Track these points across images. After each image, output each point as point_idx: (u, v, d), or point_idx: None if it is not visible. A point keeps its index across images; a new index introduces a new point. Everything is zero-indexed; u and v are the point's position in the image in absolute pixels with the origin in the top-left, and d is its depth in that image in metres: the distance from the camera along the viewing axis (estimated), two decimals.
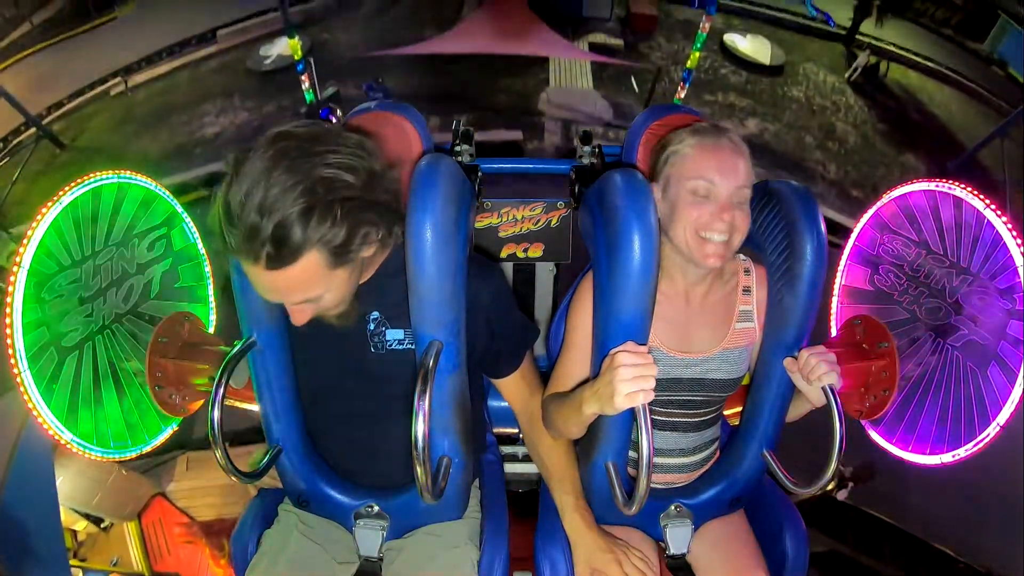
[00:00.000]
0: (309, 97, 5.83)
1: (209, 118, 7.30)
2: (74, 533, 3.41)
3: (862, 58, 8.65)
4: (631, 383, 0.95)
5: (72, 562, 3.27)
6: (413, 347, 1.05)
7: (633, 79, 7.90)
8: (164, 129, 7.16)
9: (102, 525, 3.50)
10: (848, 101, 8.28)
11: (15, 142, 6.75)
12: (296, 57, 5.51)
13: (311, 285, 0.90)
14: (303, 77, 5.63)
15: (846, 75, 8.68)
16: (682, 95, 5.64)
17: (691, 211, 1.06)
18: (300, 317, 0.96)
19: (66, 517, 3.24)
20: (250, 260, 0.85)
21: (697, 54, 5.38)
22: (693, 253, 1.08)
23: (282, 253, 0.84)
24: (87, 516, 3.41)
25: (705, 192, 1.05)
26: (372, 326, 1.08)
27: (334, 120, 5.94)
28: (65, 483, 3.08)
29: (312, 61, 5.83)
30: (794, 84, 8.50)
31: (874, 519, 3.32)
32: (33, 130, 6.69)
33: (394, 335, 1.08)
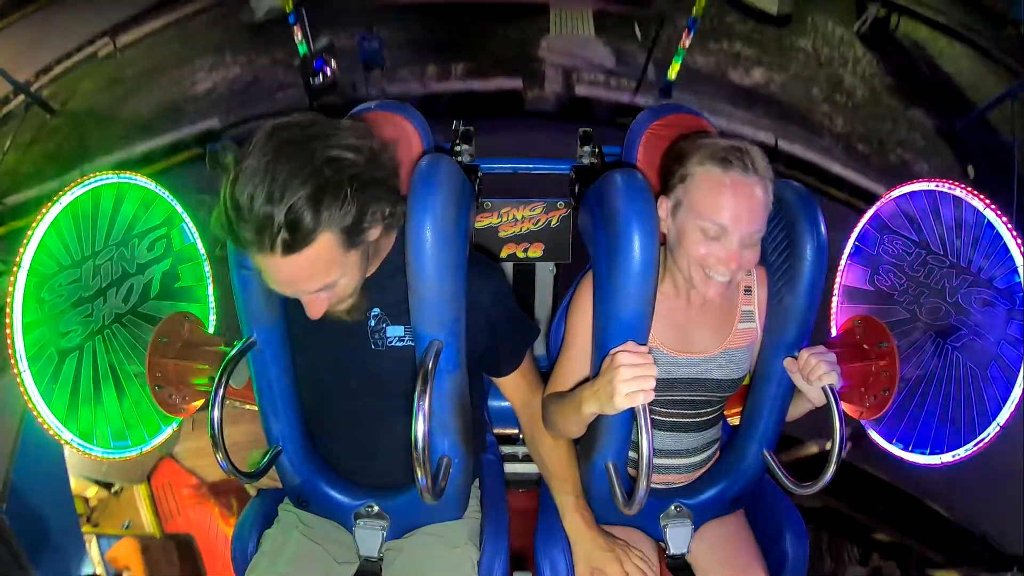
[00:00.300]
0: (302, 49, 5.70)
1: (201, 74, 6.99)
2: (85, 500, 3.40)
3: (872, 10, 8.28)
4: (631, 383, 0.95)
5: (85, 528, 3.26)
6: (413, 344, 1.05)
7: (636, 26, 7.67)
8: (155, 88, 6.88)
9: (112, 490, 3.49)
10: (856, 54, 7.92)
11: (4, 111, 6.53)
12: (287, 9, 5.37)
13: (327, 269, 0.90)
14: (295, 29, 5.49)
15: (855, 27, 8.39)
16: (687, 43, 5.51)
17: (698, 248, 1.04)
18: (316, 308, 0.95)
19: (76, 484, 3.22)
20: (265, 251, 0.84)
21: (703, 1, 5.26)
22: (694, 282, 1.08)
23: (297, 237, 0.84)
24: (97, 482, 3.41)
25: (715, 234, 1.02)
26: (373, 323, 1.08)
27: (328, 72, 5.86)
28: (74, 451, 3.10)
29: (304, 12, 5.66)
30: (801, 35, 8.08)
31: (869, 476, 3.33)
32: (22, 98, 6.38)
33: (394, 332, 1.08)
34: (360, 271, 0.97)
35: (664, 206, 1.08)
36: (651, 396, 0.95)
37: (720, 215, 1.01)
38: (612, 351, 1.00)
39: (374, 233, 0.95)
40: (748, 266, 1.05)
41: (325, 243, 0.86)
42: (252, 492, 1.38)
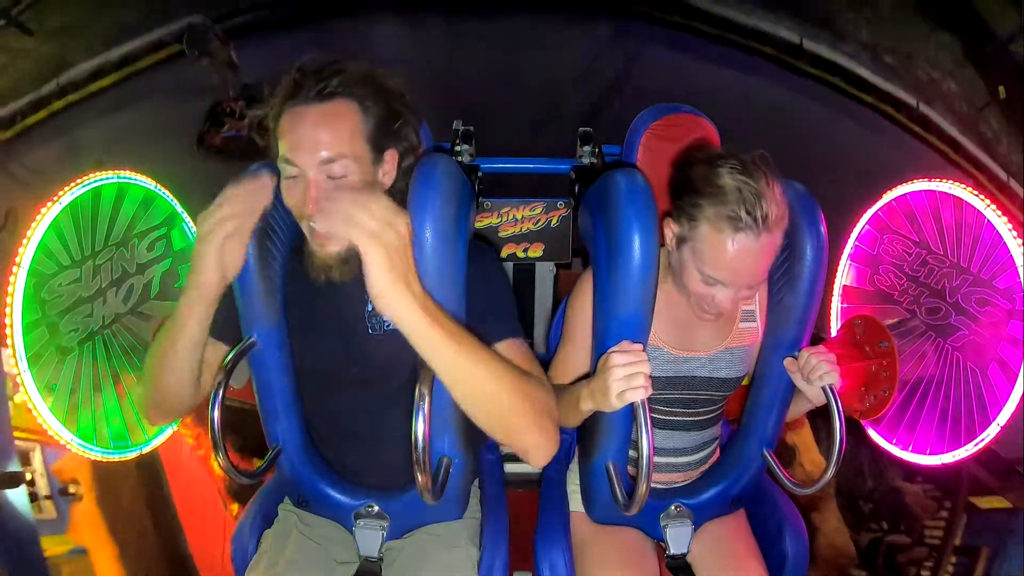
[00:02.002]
0: None
1: None
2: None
3: None
4: (623, 382, 0.95)
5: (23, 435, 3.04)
6: None
7: None
8: None
9: None
10: None
11: None
12: None
13: (340, 134, 0.94)
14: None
15: None
16: None
17: (697, 287, 1.06)
18: (314, 194, 0.94)
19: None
20: (302, 96, 0.94)
21: None
22: (691, 307, 1.11)
23: (330, 88, 0.94)
24: None
25: (713, 283, 1.04)
26: (370, 307, 1.08)
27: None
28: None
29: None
30: None
31: None
32: None
33: None
34: (368, 173, 0.99)
35: (670, 230, 1.08)
36: (645, 393, 0.95)
37: (722, 274, 1.02)
38: (607, 352, 1.00)
39: (389, 165, 1.01)
40: (742, 304, 1.08)
41: (352, 111, 0.95)
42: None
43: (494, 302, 1.10)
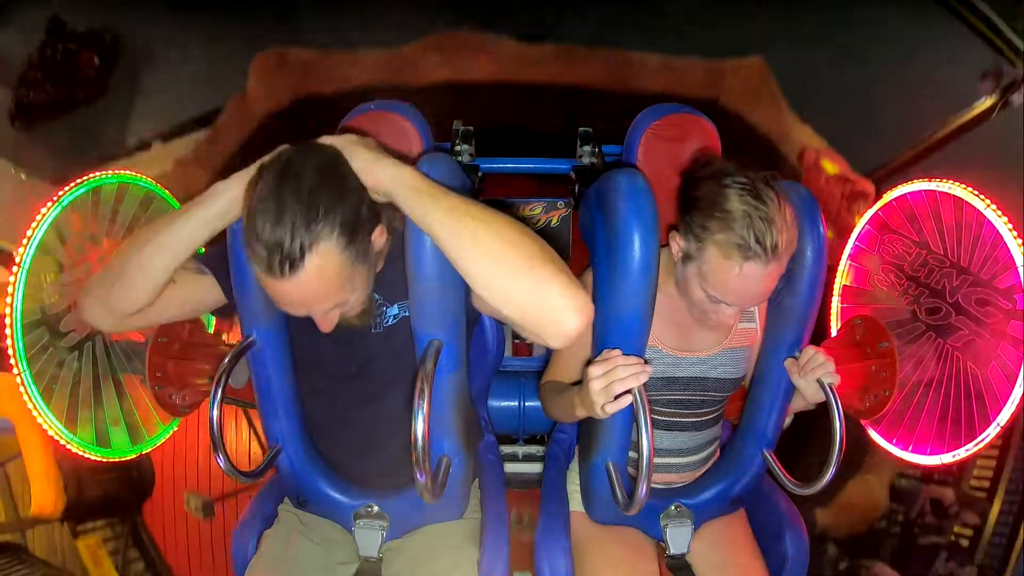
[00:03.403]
0: None
1: None
2: None
3: None
4: (602, 395, 0.95)
5: None
6: (409, 315, 1.04)
7: None
8: None
9: None
10: None
11: None
12: None
13: (336, 283, 0.89)
14: None
15: None
16: None
17: (701, 302, 1.07)
18: (327, 324, 0.96)
19: None
20: (277, 273, 0.84)
21: None
22: (692, 313, 1.13)
23: (300, 251, 0.83)
24: None
25: (718, 301, 1.05)
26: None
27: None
28: None
29: None
30: None
31: None
32: None
33: (392, 311, 1.09)
34: (367, 282, 0.97)
35: (676, 244, 1.07)
36: (627, 401, 0.95)
37: (727, 297, 1.03)
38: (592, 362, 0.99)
39: (378, 238, 0.95)
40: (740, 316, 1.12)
41: (328, 255, 0.86)
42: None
43: None
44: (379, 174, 0.87)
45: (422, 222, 0.86)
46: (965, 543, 2.53)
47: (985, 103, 2.62)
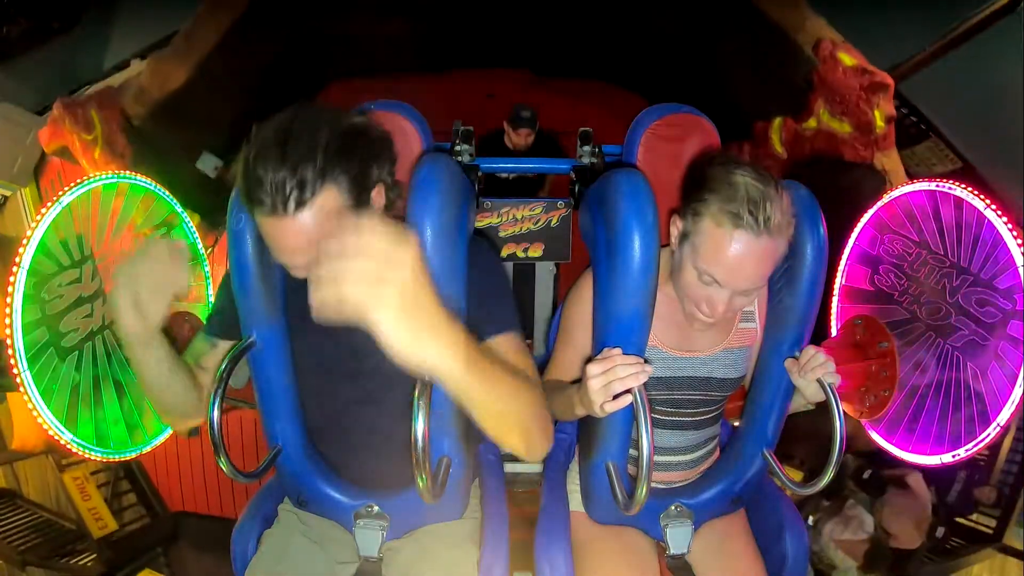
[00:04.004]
0: None
1: None
2: None
3: None
4: (600, 393, 0.95)
5: None
6: None
7: None
8: None
9: None
10: None
11: None
12: None
13: (326, 228, 0.90)
14: None
15: None
16: None
17: (693, 288, 1.05)
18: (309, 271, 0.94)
19: None
20: (279, 211, 0.86)
21: None
22: (683, 305, 1.10)
23: (302, 192, 0.86)
24: None
25: (709, 282, 1.03)
26: None
27: None
28: None
29: None
30: None
31: None
32: None
33: None
34: None
35: (675, 227, 1.07)
36: (626, 400, 0.95)
37: (716, 271, 1.01)
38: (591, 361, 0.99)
39: (377, 199, 0.97)
40: (734, 312, 1.06)
41: (332, 199, 0.89)
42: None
43: (491, 296, 1.10)
44: (419, 364, 0.71)
45: (452, 393, 0.81)
46: (982, 463, 2.55)
47: None
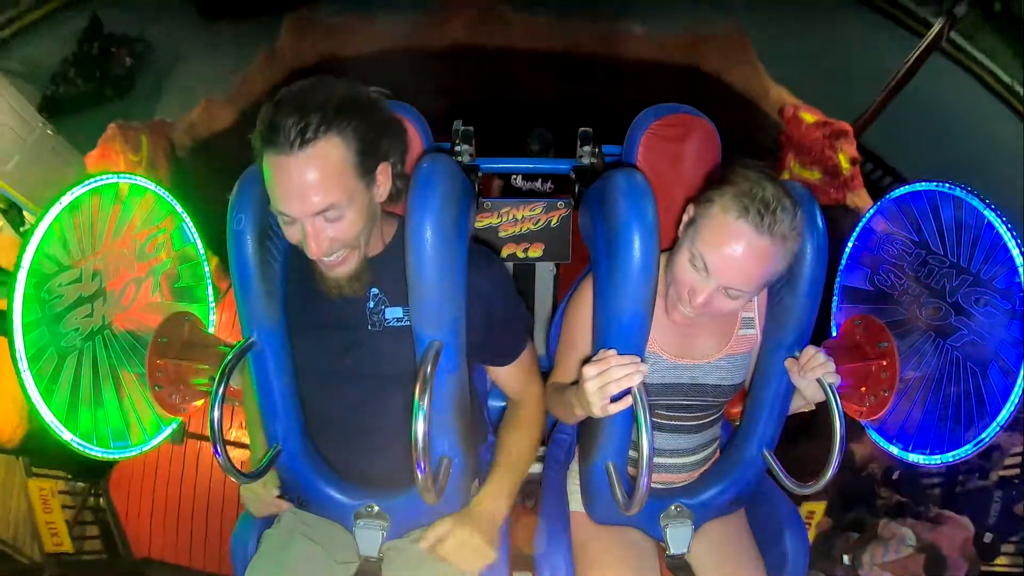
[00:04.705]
0: None
1: None
2: None
3: None
4: (598, 395, 0.95)
5: None
6: (411, 324, 1.05)
7: None
8: None
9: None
10: None
11: None
12: None
13: (336, 180, 0.92)
14: None
15: None
16: None
17: (682, 269, 1.04)
18: (318, 241, 0.95)
19: None
20: (282, 146, 0.89)
21: None
22: (668, 295, 1.09)
23: (307, 131, 0.88)
24: None
25: (699, 267, 1.02)
26: (372, 304, 1.09)
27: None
28: None
29: None
30: None
31: None
32: None
33: (393, 313, 1.09)
34: (365, 215, 0.98)
35: (687, 215, 1.07)
36: (625, 403, 0.95)
37: (710, 256, 1.00)
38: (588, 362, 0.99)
39: (383, 181, 0.99)
40: (716, 312, 1.04)
41: (336, 148, 0.91)
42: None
43: (508, 319, 1.15)
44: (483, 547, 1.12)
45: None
46: (1016, 480, 2.54)
47: (936, 27, 2.93)
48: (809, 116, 3.18)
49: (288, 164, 0.90)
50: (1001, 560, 2.56)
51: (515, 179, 3.42)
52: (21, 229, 2.96)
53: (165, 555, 3.20)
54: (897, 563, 2.42)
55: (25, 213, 2.92)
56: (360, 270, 1.03)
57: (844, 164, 2.99)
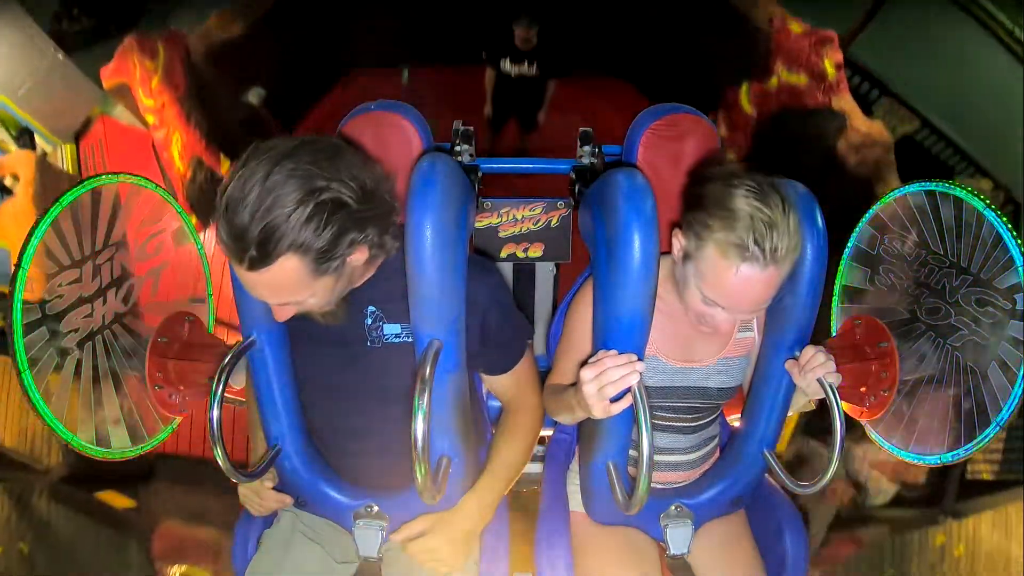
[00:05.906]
0: None
1: None
2: None
3: None
4: (597, 398, 0.95)
5: None
6: (411, 340, 1.05)
7: None
8: None
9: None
10: None
11: None
12: None
13: (293, 290, 0.91)
14: None
15: None
16: None
17: (696, 304, 1.05)
18: (281, 314, 0.98)
19: None
20: (235, 260, 0.87)
21: None
22: (688, 319, 1.11)
23: (262, 256, 0.85)
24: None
25: (712, 304, 1.02)
26: (369, 320, 1.08)
27: None
28: None
29: None
30: None
31: None
32: None
33: (391, 329, 1.08)
34: (331, 292, 0.97)
35: (678, 242, 1.05)
36: (624, 404, 0.95)
37: (720, 299, 1.00)
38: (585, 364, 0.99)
39: (355, 259, 0.95)
40: (738, 326, 1.10)
41: (290, 264, 0.87)
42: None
43: (503, 330, 1.14)
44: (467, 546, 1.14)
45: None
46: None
47: None
48: (796, 26, 3.33)
49: (245, 276, 0.89)
50: None
51: (504, 64, 3.62)
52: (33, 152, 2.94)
53: (179, 449, 3.08)
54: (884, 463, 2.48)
55: (37, 138, 2.90)
56: (336, 310, 1.04)
57: (829, 69, 3.13)
